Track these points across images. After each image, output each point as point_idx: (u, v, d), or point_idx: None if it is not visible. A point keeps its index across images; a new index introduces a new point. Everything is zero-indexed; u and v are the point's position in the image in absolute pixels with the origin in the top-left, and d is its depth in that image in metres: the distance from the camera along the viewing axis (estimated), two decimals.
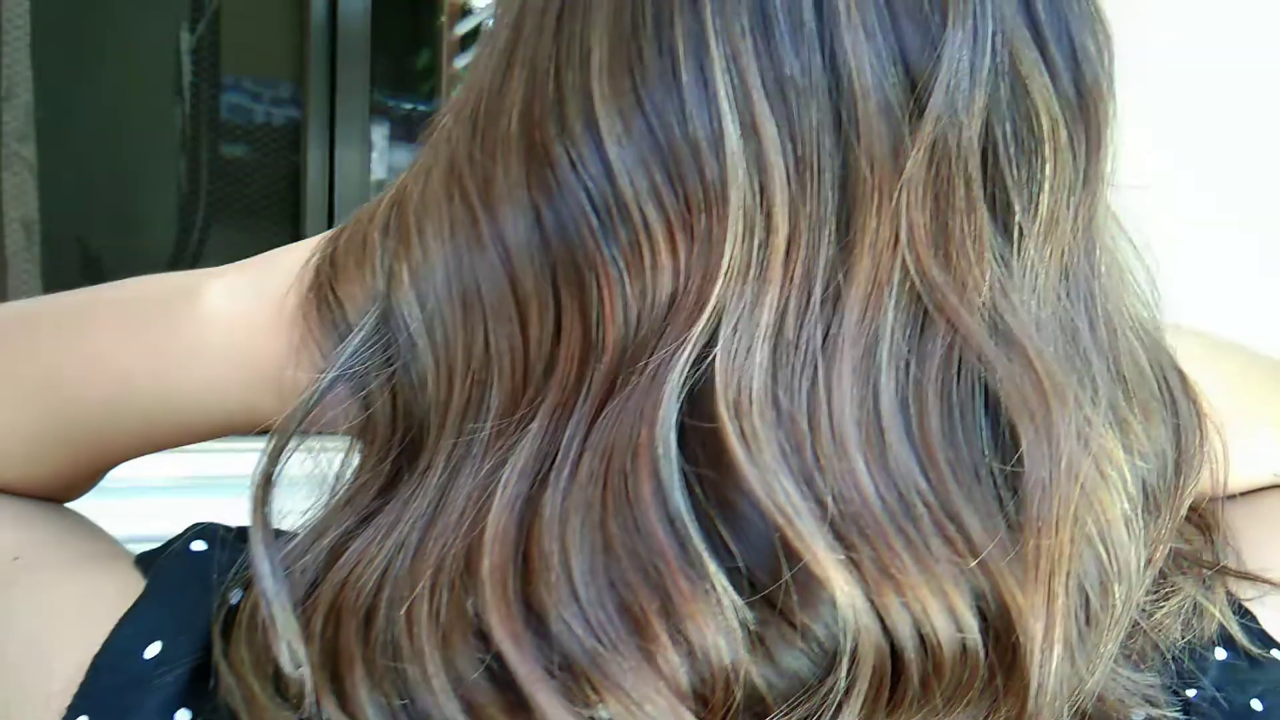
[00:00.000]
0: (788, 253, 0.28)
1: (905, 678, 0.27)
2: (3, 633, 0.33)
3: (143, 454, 0.40)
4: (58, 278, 1.79)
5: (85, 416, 0.38)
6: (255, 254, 0.37)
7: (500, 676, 0.27)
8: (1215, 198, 1.15)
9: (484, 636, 0.27)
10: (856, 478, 0.27)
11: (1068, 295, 0.31)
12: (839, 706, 0.27)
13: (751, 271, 0.28)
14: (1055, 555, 0.27)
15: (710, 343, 0.28)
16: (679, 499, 0.27)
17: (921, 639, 0.27)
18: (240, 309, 0.35)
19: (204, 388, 0.36)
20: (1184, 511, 0.34)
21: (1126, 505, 0.30)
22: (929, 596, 0.26)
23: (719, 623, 0.26)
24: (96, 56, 1.86)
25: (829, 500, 0.26)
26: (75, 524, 0.40)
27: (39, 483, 0.40)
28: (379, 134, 1.90)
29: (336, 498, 0.32)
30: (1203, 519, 0.41)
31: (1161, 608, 0.36)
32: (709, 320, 0.28)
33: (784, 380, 0.27)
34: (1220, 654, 0.39)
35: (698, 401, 0.28)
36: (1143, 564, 0.32)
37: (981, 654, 0.27)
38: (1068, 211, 0.30)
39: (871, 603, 0.26)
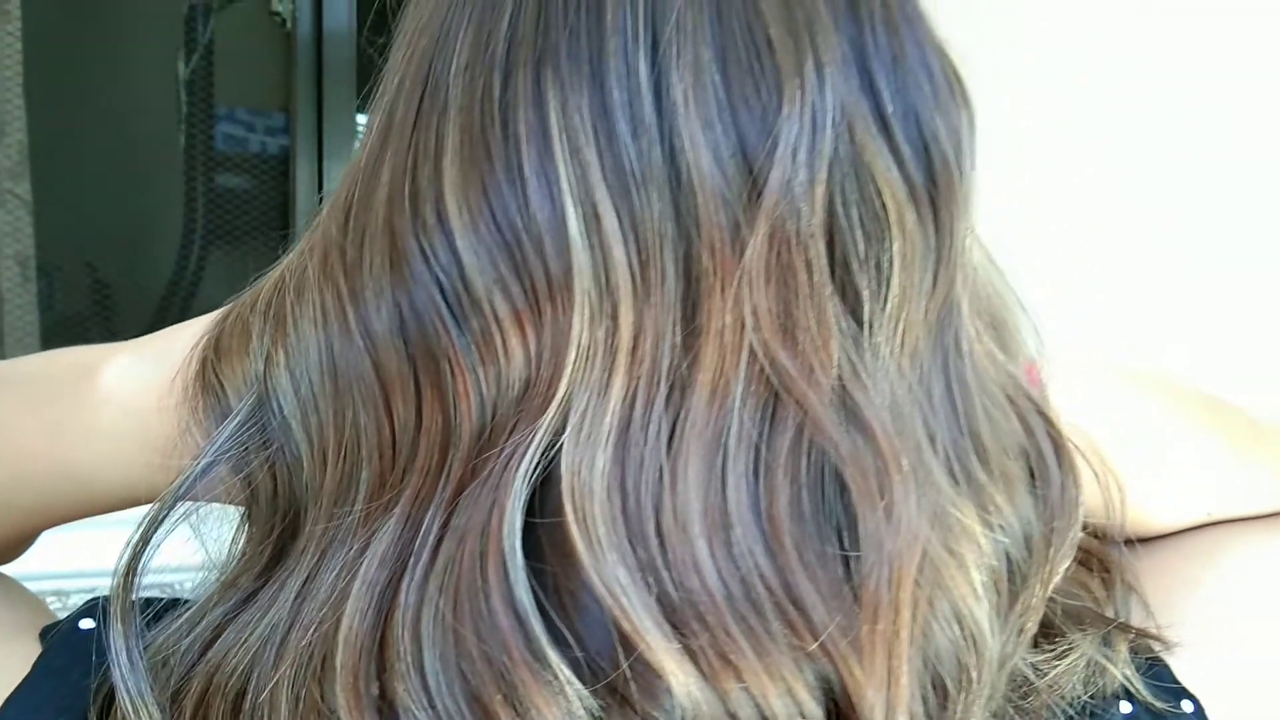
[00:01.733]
0: (634, 342, 0.28)
1: None
2: None
3: (54, 525, 0.41)
4: (53, 312, 1.81)
5: None
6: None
7: None
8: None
9: None
10: (698, 565, 0.27)
11: (925, 373, 0.31)
12: None
13: (600, 360, 0.28)
14: (893, 637, 0.27)
15: (561, 430, 0.28)
16: (523, 590, 0.27)
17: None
18: (134, 389, 0.36)
19: (104, 464, 0.37)
20: (1055, 581, 0.34)
21: (983, 579, 0.30)
22: (768, 682, 0.27)
23: (562, 711, 0.27)
24: (90, 93, 1.88)
25: (669, 589, 0.27)
26: None
27: None
28: None
29: (223, 576, 0.33)
30: (1107, 571, 0.41)
31: (1056, 666, 0.36)
32: (558, 409, 0.28)
33: (631, 469, 0.28)
34: (1125, 708, 0.39)
35: (547, 490, 0.28)
36: (1013, 634, 0.32)
37: None
38: (920, 293, 0.30)
39: (713, 689, 0.27)
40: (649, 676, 0.27)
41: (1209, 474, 0.51)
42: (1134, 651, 0.41)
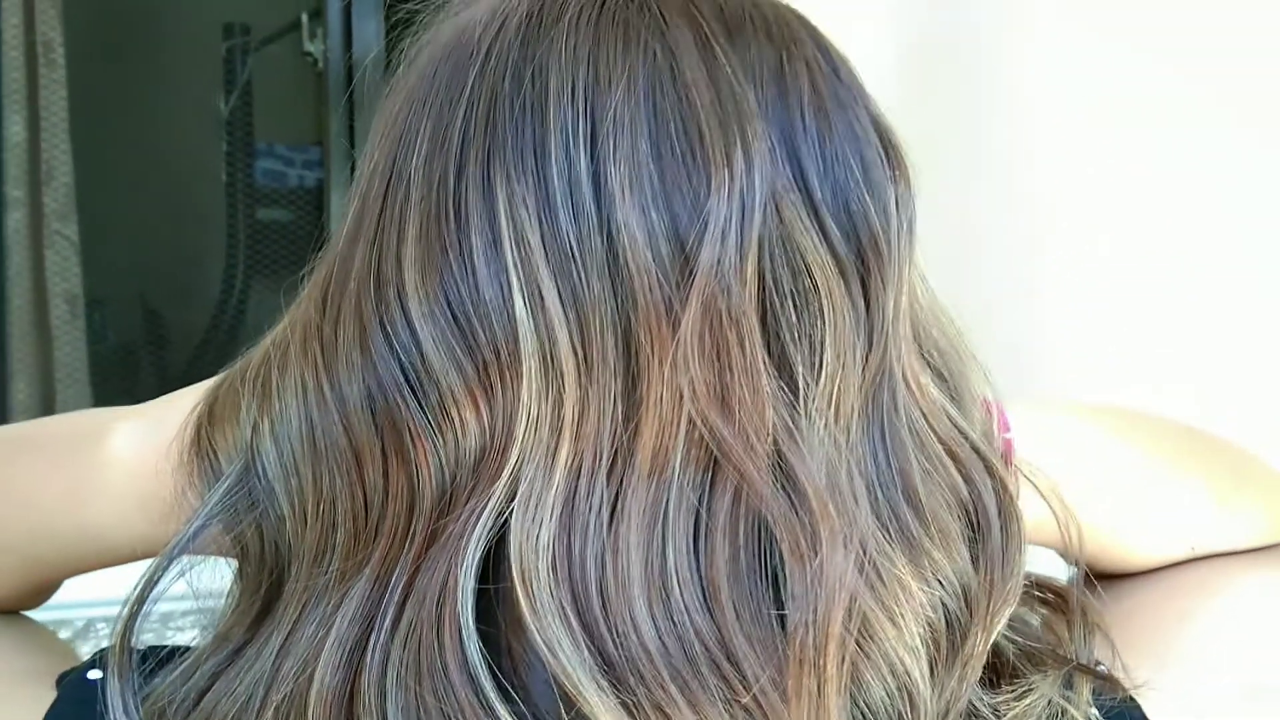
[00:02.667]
0: (578, 414, 0.31)
1: None
2: None
3: (73, 575, 0.44)
4: (108, 343, 1.88)
5: (14, 547, 0.42)
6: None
7: None
8: None
9: None
10: (637, 625, 0.29)
11: (860, 436, 0.33)
12: None
13: (547, 432, 0.31)
14: (820, 688, 0.29)
15: (512, 497, 0.30)
16: (474, 650, 0.30)
17: None
18: (138, 453, 0.39)
19: (113, 522, 0.40)
20: (998, 630, 0.35)
21: (920, 631, 0.32)
22: None
23: None
24: (134, 134, 1.95)
25: (610, 648, 0.29)
26: (17, 640, 0.44)
27: None
28: None
29: (219, 628, 0.36)
30: (1072, 613, 0.42)
31: (1014, 707, 0.38)
32: (509, 478, 0.31)
33: (575, 537, 0.30)
34: None
35: (500, 554, 0.30)
36: (954, 684, 0.34)
37: None
38: (853, 363, 0.32)
39: None
40: None
41: (1189, 512, 0.52)
42: (1098, 693, 0.42)
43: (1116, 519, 0.50)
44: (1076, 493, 0.48)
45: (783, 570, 0.31)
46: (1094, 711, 0.42)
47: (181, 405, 0.39)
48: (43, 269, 1.73)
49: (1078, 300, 1.30)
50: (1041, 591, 0.42)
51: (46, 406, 1.75)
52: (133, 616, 0.35)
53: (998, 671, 0.39)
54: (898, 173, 0.35)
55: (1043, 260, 1.36)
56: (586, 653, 0.29)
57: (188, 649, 0.36)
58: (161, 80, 1.99)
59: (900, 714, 0.31)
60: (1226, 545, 0.52)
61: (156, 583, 0.35)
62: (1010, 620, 0.40)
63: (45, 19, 1.70)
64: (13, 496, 0.41)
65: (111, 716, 0.32)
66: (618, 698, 0.29)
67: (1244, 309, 1.17)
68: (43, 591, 0.47)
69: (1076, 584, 0.42)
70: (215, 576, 0.37)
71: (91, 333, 1.85)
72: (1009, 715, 0.37)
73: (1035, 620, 0.42)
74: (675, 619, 0.30)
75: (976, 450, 0.37)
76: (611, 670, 0.29)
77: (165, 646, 0.37)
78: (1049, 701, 0.39)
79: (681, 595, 0.30)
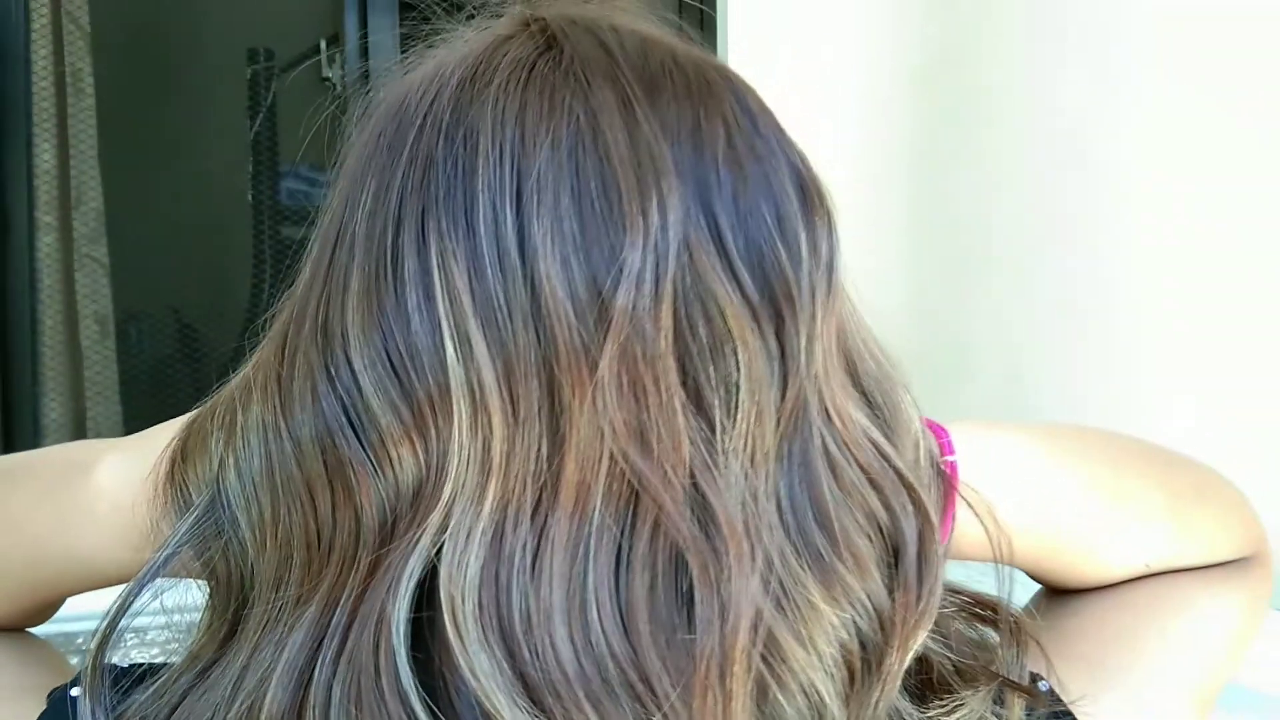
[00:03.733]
0: (507, 452, 0.33)
1: None
2: None
3: (69, 596, 0.47)
4: (144, 357, 1.93)
5: (11, 570, 0.45)
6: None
7: None
8: None
9: None
10: (557, 650, 0.31)
11: (775, 470, 0.35)
12: None
13: (478, 469, 0.33)
14: (726, 706, 0.31)
15: (445, 530, 0.33)
16: (406, 674, 0.32)
17: None
18: (121, 484, 0.42)
19: (100, 546, 0.43)
20: (914, 649, 0.37)
21: (833, 653, 0.34)
22: None
23: None
24: (161, 158, 2.01)
25: (530, 670, 0.31)
26: (16, 655, 0.47)
27: None
28: None
29: (190, 648, 0.38)
30: (1006, 627, 0.44)
31: None
32: (443, 511, 0.33)
33: (501, 568, 0.32)
34: None
35: (434, 584, 0.33)
36: (870, 704, 0.35)
37: None
38: (768, 403, 0.34)
39: None
40: None
41: (1145, 529, 0.53)
42: (1030, 709, 0.43)
43: (1072, 536, 0.51)
44: (1030, 511, 0.49)
45: (695, 595, 0.33)
46: None
47: (160, 439, 0.42)
48: (73, 290, 1.79)
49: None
50: (981, 609, 0.44)
51: (78, 422, 1.81)
52: (105, 639, 0.37)
53: (930, 686, 0.41)
54: (816, 219, 0.37)
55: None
56: (507, 676, 0.31)
57: (164, 666, 0.39)
58: (188, 105, 2.05)
59: None
60: (1183, 562, 0.53)
61: (129, 606, 0.38)
62: (945, 636, 0.41)
63: (74, 49, 1.75)
64: (8, 523, 0.44)
65: None
66: (535, 716, 0.31)
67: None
68: (43, 610, 0.50)
69: (1005, 601, 0.43)
70: (189, 596, 0.40)
71: (123, 350, 1.90)
72: None
73: (975, 635, 0.44)
74: (593, 643, 0.32)
75: (900, 477, 0.38)
76: (531, 692, 0.31)
77: (142, 665, 0.40)
78: (980, 717, 0.40)
79: (600, 621, 0.32)
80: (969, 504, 0.45)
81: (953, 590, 0.43)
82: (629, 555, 0.33)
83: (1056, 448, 0.52)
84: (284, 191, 2.17)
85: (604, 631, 0.32)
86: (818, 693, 0.33)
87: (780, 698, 0.33)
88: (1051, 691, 0.45)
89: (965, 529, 0.46)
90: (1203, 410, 1.22)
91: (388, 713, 0.31)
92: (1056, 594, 0.55)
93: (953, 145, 1.69)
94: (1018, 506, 0.48)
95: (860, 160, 1.94)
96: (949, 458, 0.46)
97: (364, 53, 1.70)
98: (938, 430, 0.47)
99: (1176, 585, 0.53)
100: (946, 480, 0.46)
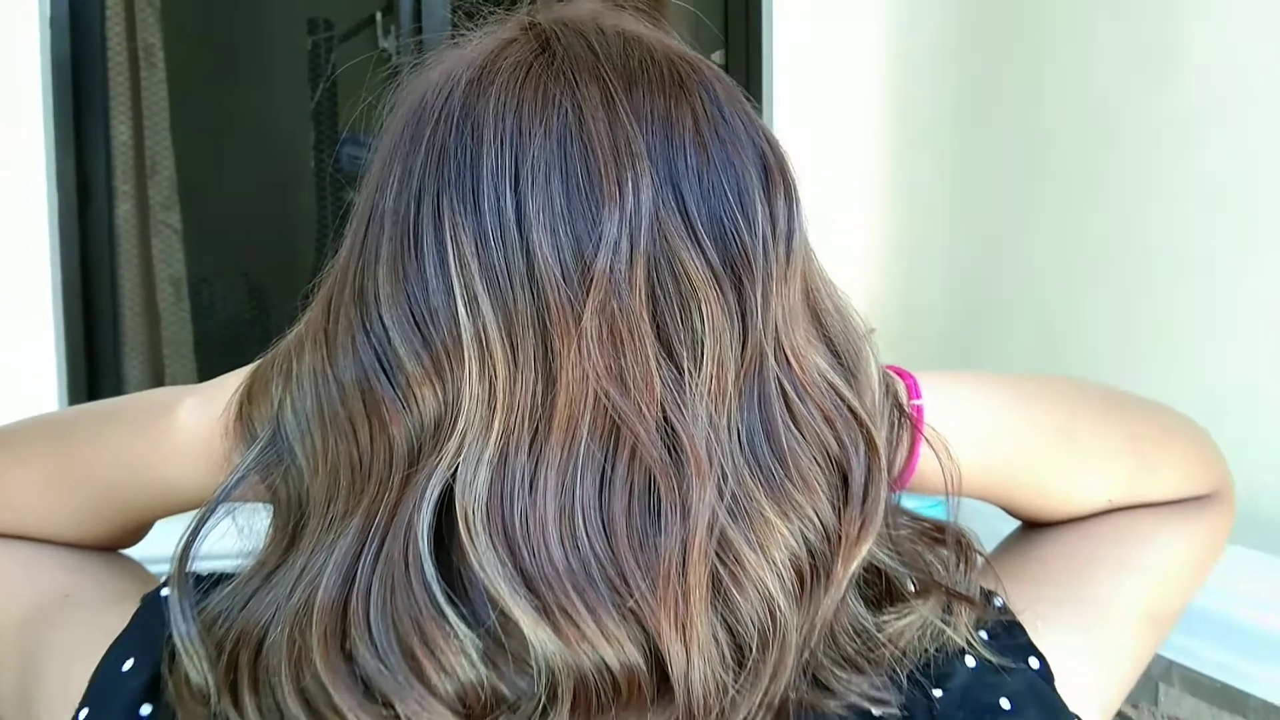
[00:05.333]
0: (509, 391, 0.40)
1: (592, 690, 0.38)
2: (54, 655, 0.49)
3: (158, 518, 0.55)
4: (204, 326, 2.04)
5: (109, 498, 0.53)
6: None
7: (323, 694, 0.39)
8: None
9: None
10: (550, 550, 0.38)
11: (738, 405, 0.41)
12: (544, 711, 0.38)
13: (484, 406, 0.40)
14: (685, 595, 0.38)
15: (459, 454, 0.40)
16: (430, 570, 0.39)
17: (603, 663, 0.38)
18: (198, 422, 0.50)
19: (182, 476, 0.51)
20: (858, 559, 0.43)
21: (784, 558, 0.40)
22: (597, 632, 0.38)
23: (457, 651, 0.38)
24: (229, 127, 2.10)
25: (527, 565, 0.38)
26: (115, 570, 0.55)
27: (92, 540, 0.56)
28: None
29: (258, 556, 0.46)
30: (953, 547, 0.50)
31: (893, 625, 0.45)
32: (458, 440, 0.40)
33: (505, 484, 0.39)
34: (970, 661, 0.48)
35: (449, 500, 0.40)
36: (817, 606, 0.42)
37: (643, 672, 0.38)
38: (730, 352, 0.40)
39: (559, 638, 0.38)
40: (511, 628, 0.38)
41: (1108, 467, 0.58)
42: (984, 621, 0.49)
43: (1033, 474, 0.56)
44: (993, 450, 0.55)
45: (663, 508, 0.39)
46: (983, 634, 0.49)
47: (230, 385, 0.50)
48: (150, 255, 1.90)
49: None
50: (934, 532, 0.50)
51: (156, 379, 1.93)
52: (187, 547, 0.45)
53: (887, 597, 0.47)
54: (775, 194, 0.43)
55: None
56: (509, 570, 0.38)
57: (235, 575, 0.46)
58: (252, 76, 2.14)
59: (764, 625, 0.40)
60: (1144, 498, 0.58)
61: (206, 520, 0.45)
62: (900, 554, 0.47)
63: (145, 25, 1.85)
64: (106, 457, 0.53)
65: (173, 623, 0.43)
66: (531, 602, 0.38)
67: None
68: (135, 533, 0.58)
69: (953, 524, 0.49)
70: (256, 520, 0.48)
71: (197, 310, 2.01)
72: (888, 631, 0.45)
73: (931, 555, 0.49)
74: (579, 546, 0.39)
75: (854, 414, 0.44)
76: (529, 583, 0.38)
77: (218, 573, 0.47)
78: (927, 624, 0.46)
79: (585, 529, 0.39)
80: (928, 441, 0.51)
81: (908, 515, 0.49)
82: (610, 476, 0.40)
83: (1020, 394, 0.57)
84: (344, 158, 2.26)
85: (588, 537, 0.39)
86: (769, 591, 0.40)
87: (735, 593, 0.40)
88: (1004, 606, 0.51)
89: (931, 464, 0.52)
90: (1232, 369, 1.24)
91: (415, 600, 0.39)
92: (1031, 528, 0.61)
93: (991, 108, 1.70)
94: (981, 446, 0.54)
95: (900, 122, 1.96)
96: (916, 401, 0.52)
97: (417, 18, 1.77)
98: (907, 378, 0.53)
99: (1136, 518, 0.58)
100: (912, 421, 0.51)
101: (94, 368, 1.88)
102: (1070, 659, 0.50)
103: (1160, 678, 1.24)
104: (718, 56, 2.08)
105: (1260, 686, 1.11)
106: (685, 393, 0.40)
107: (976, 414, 0.54)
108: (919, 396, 0.52)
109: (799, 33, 2.03)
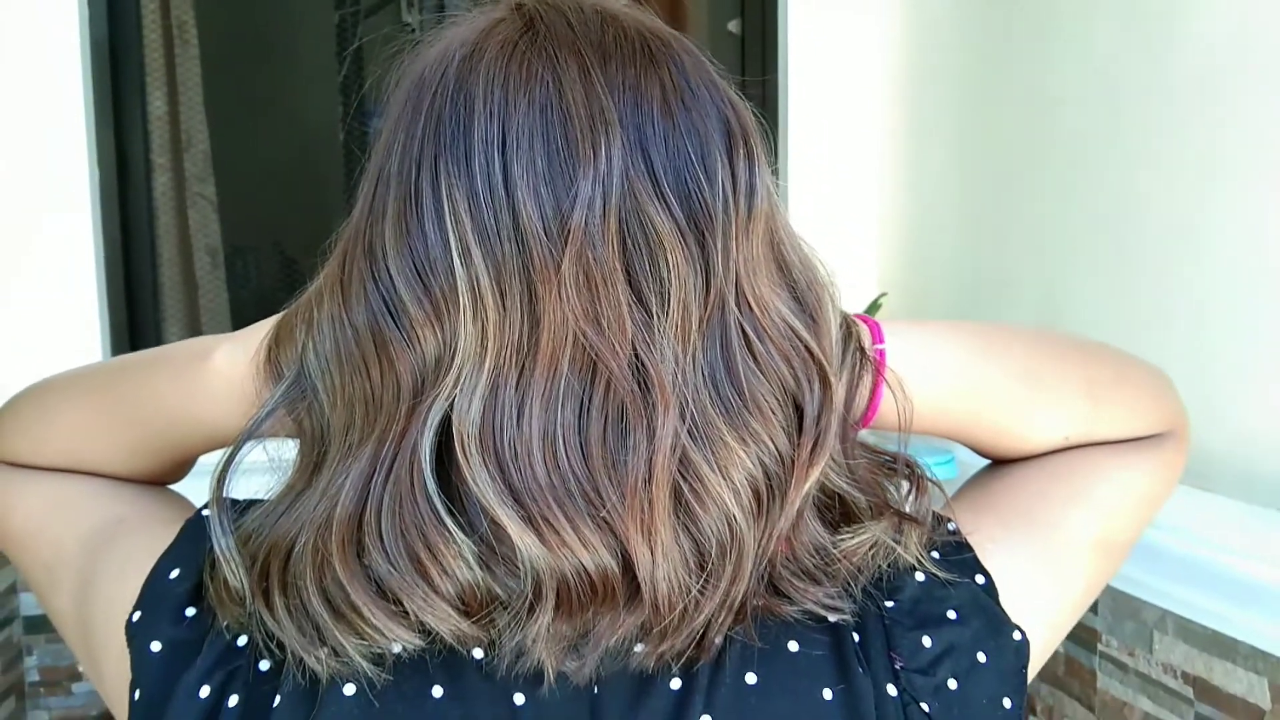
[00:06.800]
0: (499, 331, 0.45)
1: (573, 590, 0.44)
2: (108, 570, 0.55)
3: (198, 454, 0.62)
4: (239, 294, 2.11)
5: (153, 436, 0.60)
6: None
7: (342, 593, 0.46)
8: None
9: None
10: (534, 469, 0.44)
11: (701, 344, 0.46)
12: (531, 608, 0.44)
13: (477, 344, 0.45)
14: (651, 505, 0.44)
15: (456, 387, 0.46)
16: (432, 486, 0.45)
17: (581, 566, 0.44)
18: (232, 366, 0.56)
19: (218, 415, 0.57)
20: (810, 481, 0.48)
21: (742, 478, 0.46)
22: (575, 539, 0.44)
23: (456, 555, 0.44)
24: (261, 101, 2.16)
25: (514, 481, 0.44)
26: (163, 500, 0.62)
27: (142, 474, 0.63)
28: None
29: (287, 479, 0.52)
30: (904, 474, 0.54)
31: (848, 544, 0.51)
32: (455, 374, 0.46)
33: (495, 410, 0.45)
34: (920, 577, 0.53)
35: (448, 426, 0.46)
36: (774, 523, 0.47)
37: (616, 575, 0.44)
38: (694, 297, 0.46)
39: (544, 544, 0.44)
40: (503, 535, 0.44)
41: (1065, 406, 0.62)
42: (932, 541, 0.54)
43: (991, 413, 0.61)
44: (952, 391, 0.59)
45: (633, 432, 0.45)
46: (934, 554, 0.54)
47: (260, 332, 0.55)
48: (186, 226, 1.98)
49: None
50: (890, 462, 0.55)
51: None
52: (224, 471, 0.51)
53: (845, 519, 0.52)
54: (736, 156, 0.48)
55: None
56: (499, 485, 0.44)
57: (263, 501, 0.52)
58: (282, 51, 2.19)
59: (723, 536, 0.46)
60: (1099, 436, 0.62)
61: (240, 448, 0.52)
62: (856, 480, 0.52)
63: (178, 3, 1.92)
64: (150, 399, 0.59)
65: (213, 536, 0.49)
66: (518, 513, 0.44)
67: None
68: (178, 469, 0.65)
69: (904, 453, 0.54)
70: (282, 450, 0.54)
71: (232, 279, 2.08)
72: (842, 547, 0.50)
73: (887, 484, 0.54)
74: (560, 464, 0.44)
75: (810, 354, 0.49)
76: (515, 496, 0.44)
77: (251, 499, 0.54)
78: (879, 543, 0.51)
79: (565, 450, 0.45)
80: (887, 382, 0.55)
81: (866, 448, 0.54)
82: (588, 406, 0.45)
83: (983, 339, 0.61)
84: (372, 130, 2.31)
85: (568, 457, 0.45)
86: (728, 506, 0.45)
87: (696, 507, 0.45)
88: (956, 529, 0.56)
89: (892, 404, 0.57)
90: (1229, 335, 1.27)
91: (420, 512, 0.45)
92: (997, 465, 0.65)
93: (997, 83, 1.72)
94: (943, 387, 0.58)
95: (910, 83, 1.99)
96: (879, 345, 0.57)
97: None
98: (872, 324, 0.58)
99: (1091, 454, 0.62)
100: (875, 364, 0.56)
101: (135, 334, 1.97)
102: (1019, 577, 0.55)
103: (1155, 626, 1.28)
104: (734, 25, 2.12)
105: (1249, 633, 1.15)
106: (654, 333, 0.45)
107: (939, 356, 0.58)
108: (881, 341, 0.57)
109: (813, 2, 2.05)
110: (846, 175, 2.07)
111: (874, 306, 1.72)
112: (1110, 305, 1.46)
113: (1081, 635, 1.41)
